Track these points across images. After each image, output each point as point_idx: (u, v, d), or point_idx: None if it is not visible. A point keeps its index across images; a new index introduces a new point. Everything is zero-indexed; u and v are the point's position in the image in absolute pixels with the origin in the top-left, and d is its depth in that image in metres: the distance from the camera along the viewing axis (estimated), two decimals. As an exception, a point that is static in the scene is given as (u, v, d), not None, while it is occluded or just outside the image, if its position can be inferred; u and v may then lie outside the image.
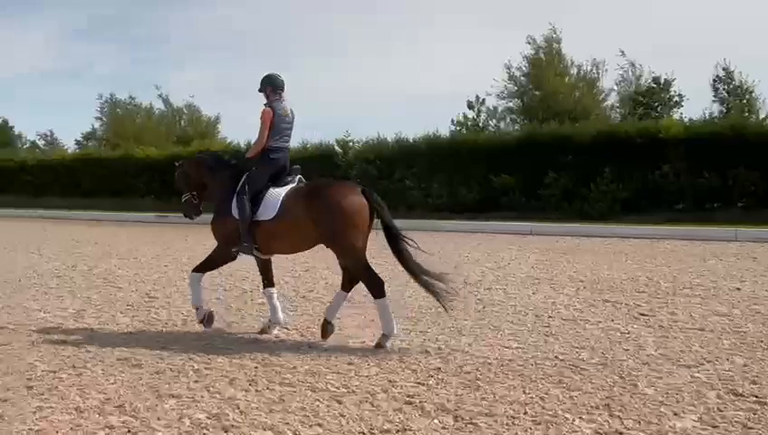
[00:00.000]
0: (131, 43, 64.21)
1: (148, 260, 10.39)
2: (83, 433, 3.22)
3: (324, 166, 20.84)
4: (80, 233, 15.91)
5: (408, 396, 3.74)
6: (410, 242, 5.09)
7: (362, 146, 21.01)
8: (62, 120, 74.11)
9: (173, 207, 22.14)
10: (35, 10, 70.19)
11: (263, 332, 5.35)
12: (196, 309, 5.39)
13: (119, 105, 37.23)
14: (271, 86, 5.47)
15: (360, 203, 4.93)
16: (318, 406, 3.59)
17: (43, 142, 49.45)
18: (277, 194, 5.14)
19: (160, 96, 35.46)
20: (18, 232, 15.73)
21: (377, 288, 4.88)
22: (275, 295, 5.48)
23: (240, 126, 64.44)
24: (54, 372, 4.20)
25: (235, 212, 5.19)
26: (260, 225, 5.12)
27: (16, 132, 47.78)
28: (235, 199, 5.21)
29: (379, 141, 20.80)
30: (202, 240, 13.99)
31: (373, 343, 4.89)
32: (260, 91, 5.52)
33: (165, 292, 7.32)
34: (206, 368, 4.31)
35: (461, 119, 26.25)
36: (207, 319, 5.37)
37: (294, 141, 22.65)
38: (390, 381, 4.03)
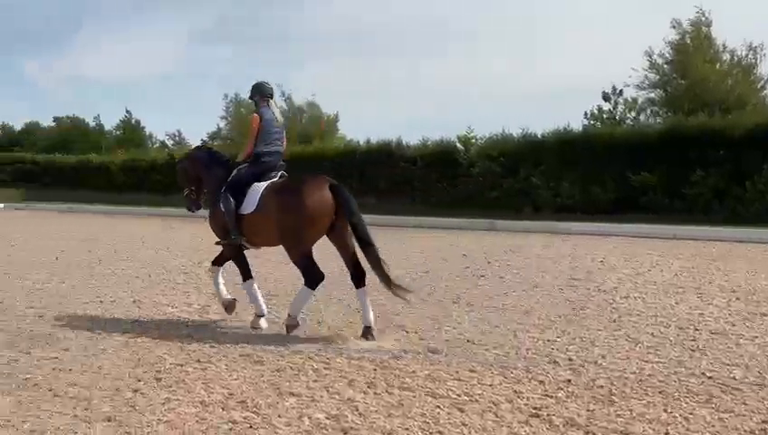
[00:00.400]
0: (256, 43, 67.69)
1: (269, 258, 10.88)
2: (208, 427, 3.43)
3: (445, 164, 20.88)
4: (204, 230, 16.96)
5: (535, 408, 3.67)
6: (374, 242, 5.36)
7: (485, 142, 20.80)
8: (190, 120, 79.33)
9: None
10: (164, 13, 75.77)
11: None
12: (260, 316, 5.78)
13: (242, 105, 39.27)
14: (259, 94, 5.96)
15: (322, 201, 5.26)
16: (438, 413, 3.61)
17: (172, 142, 53.13)
18: (258, 189, 5.61)
19: (282, 94, 37.03)
20: (149, 229, 17.03)
21: (312, 280, 5.30)
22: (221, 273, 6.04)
23: (360, 123, 65.87)
24: (181, 366, 4.51)
25: (221, 206, 5.72)
26: (244, 218, 5.63)
27: (147, 132, 51.70)
28: (221, 194, 5.76)
29: (503, 137, 20.51)
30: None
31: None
32: (250, 99, 6.07)
33: (285, 290, 7.63)
34: (324, 368, 4.45)
35: (595, 111, 25.30)
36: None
37: (414, 138, 23.01)
38: (516, 391, 3.96)
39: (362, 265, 5.37)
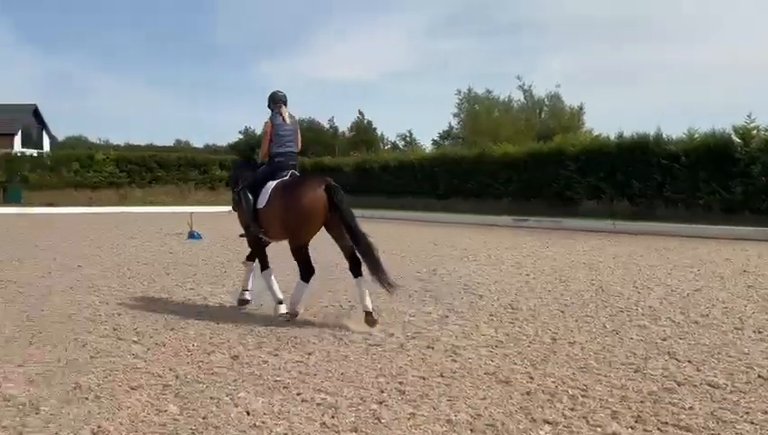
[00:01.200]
0: (492, 36, 68.33)
1: (508, 267, 10.85)
2: (456, 448, 3.47)
3: (717, 161, 19.21)
4: (436, 236, 17.43)
5: None
6: (368, 236, 6.36)
7: (772, 134, 18.75)
8: (420, 119, 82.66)
9: (530, 211, 22.87)
10: (397, 11, 79.62)
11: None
12: (279, 303, 6.93)
13: (476, 100, 39.88)
14: (272, 101, 7.24)
15: (317, 200, 6.37)
16: (727, 461, 3.28)
17: (403, 143, 55.65)
18: (270, 187, 6.83)
19: (521, 87, 36.96)
20: (384, 233, 17.94)
21: (306, 274, 6.50)
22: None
23: (609, 115, 63.37)
24: (424, 379, 4.63)
25: (242, 202, 7.08)
26: (259, 212, 6.88)
27: (379, 133, 54.78)
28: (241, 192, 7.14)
29: (796, 127, 18.33)
30: (566, 246, 14.09)
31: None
32: (268, 107, 7.25)
33: (528, 304, 7.54)
34: (581, 395, 4.29)
35: None
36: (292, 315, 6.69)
37: (677, 131, 21.55)
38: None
39: (358, 257, 6.39)
